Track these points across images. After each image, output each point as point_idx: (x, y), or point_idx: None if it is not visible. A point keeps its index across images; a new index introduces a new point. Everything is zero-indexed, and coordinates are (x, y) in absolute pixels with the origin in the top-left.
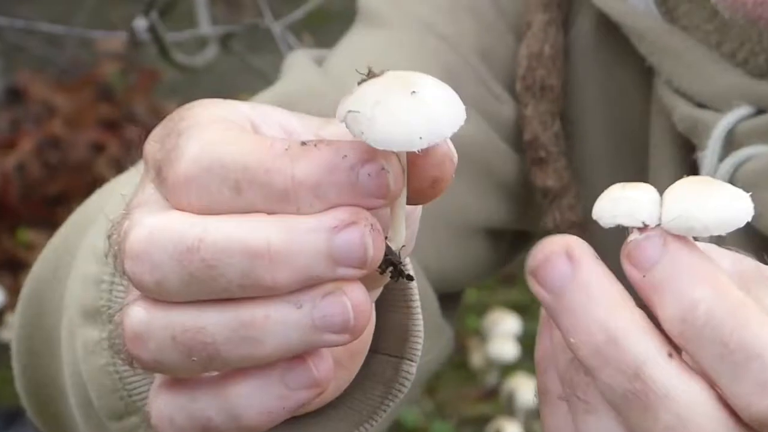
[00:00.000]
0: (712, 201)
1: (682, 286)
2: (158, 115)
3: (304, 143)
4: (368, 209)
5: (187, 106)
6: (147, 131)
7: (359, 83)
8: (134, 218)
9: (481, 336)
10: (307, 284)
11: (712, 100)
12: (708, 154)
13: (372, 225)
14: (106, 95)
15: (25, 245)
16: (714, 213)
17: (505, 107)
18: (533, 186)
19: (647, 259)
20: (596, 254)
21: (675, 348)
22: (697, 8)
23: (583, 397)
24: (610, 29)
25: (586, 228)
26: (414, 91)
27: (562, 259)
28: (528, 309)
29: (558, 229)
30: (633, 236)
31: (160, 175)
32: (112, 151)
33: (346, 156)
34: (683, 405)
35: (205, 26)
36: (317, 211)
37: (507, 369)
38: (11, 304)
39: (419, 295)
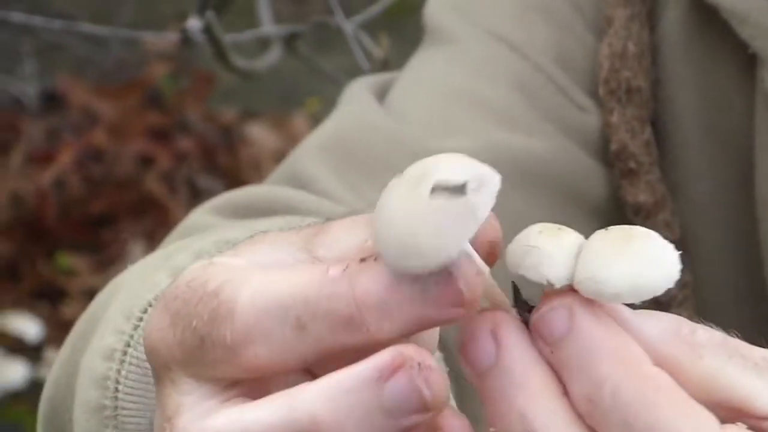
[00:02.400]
0: (625, 264)
1: (589, 363)
2: (214, 124)
3: (363, 259)
4: (449, 322)
5: (181, 288)
6: (201, 142)
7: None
8: (188, 421)
9: None
10: None
11: None
12: None
13: (420, 363)
14: (154, 101)
15: (65, 271)
16: (625, 279)
17: (590, 117)
18: (623, 202)
19: (553, 334)
20: (523, 331)
21: None
22: None
23: None
24: (704, 17)
25: (686, 247)
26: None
27: (487, 339)
28: None
29: None
30: (539, 307)
31: (209, 345)
32: (162, 164)
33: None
34: None
35: (268, 25)
36: (386, 333)
37: None
38: (51, 338)
39: None
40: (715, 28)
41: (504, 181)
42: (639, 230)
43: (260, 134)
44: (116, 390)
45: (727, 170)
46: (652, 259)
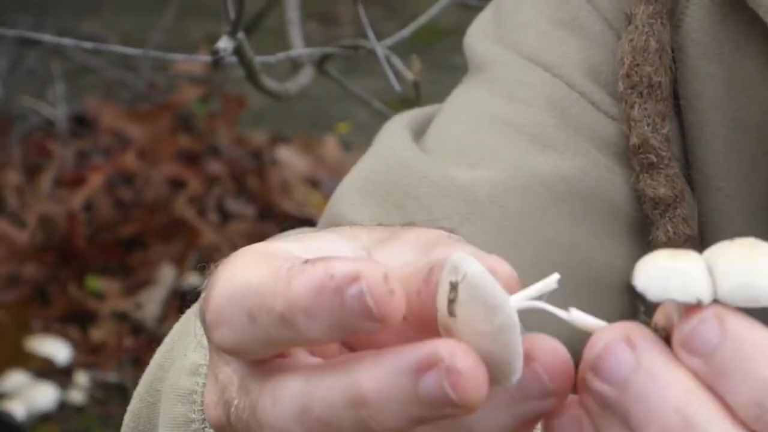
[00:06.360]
0: None
1: (752, 367)
2: (244, 147)
3: (306, 261)
4: (370, 330)
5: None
6: (231, 165)
7: None
8: (253, 392)
9: None
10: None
11: None
12: None
13: (449, 367)
14: (185, 125)
15: (95, 294)
16: None
17: (621, 125)
18: (643, 197)
19: (706, 344)
20: (655, 337)
21: None
22: None
23: None
24: (728, 12)
25: (702, 242)
26: None
27: (623, 348)
28: None
29: (670, 243)
30: (685, 324)
31: (203, 318)
32: (193, 188)
33: (333, 276)
34: None
35: (299, 47)
36: (317, 335)
37: None
38: (80, 362)
39: None
40: (739, 22)
41: (535, 207)
42: (758, 242)
43: (290, 158)
44: (203, 404)
45: (756, 163)
46: None
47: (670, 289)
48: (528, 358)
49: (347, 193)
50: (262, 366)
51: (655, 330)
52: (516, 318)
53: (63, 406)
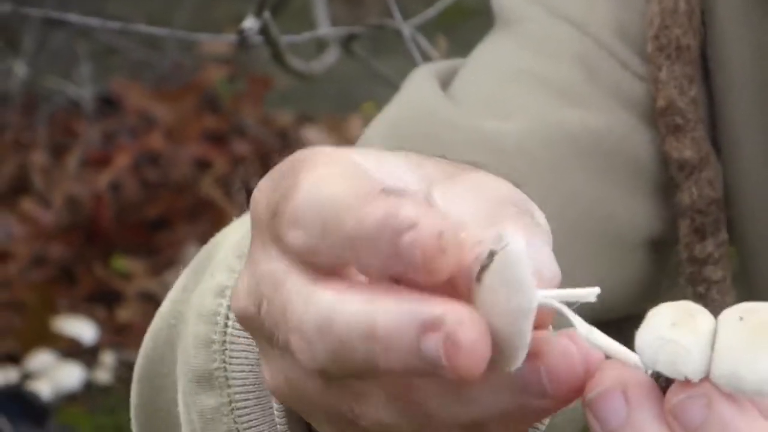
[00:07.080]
0: (766, 358)
1: None
2: (271, 127)
3: (382, 191)
4: (420, 285)
5: (297, 152)
6: (257, 145)
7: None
8: (290, 292)
9: None
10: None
11: None
12: None
13: (448, 336)
14: (211, 105)
15: (120, 274)
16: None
17: (648, 86)
18: (668, 158)
19: (692, 420)
20: (652, 390)
21: None
22: None
23: None
24: None
25: (726, 206)
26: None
27: (617, 397)
28: None
29: (694, 206)
30: (676, 394)
31: (276, 213)
32: (219, 168)
33: (396, 216)
34: None
35: (325, 27)
36: (372, 266)
37: None
38: (106, 341)
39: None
40: None
41: (561, 159)
42: None
43: (316, 138)
44: (225, 325)
45: None
46: None
47: (660, 361)
48: (537, 355)
49: (372, 139)
50: (309, 271)
51: (659, 376)
52: (532, 308)
53: (89, 386)
